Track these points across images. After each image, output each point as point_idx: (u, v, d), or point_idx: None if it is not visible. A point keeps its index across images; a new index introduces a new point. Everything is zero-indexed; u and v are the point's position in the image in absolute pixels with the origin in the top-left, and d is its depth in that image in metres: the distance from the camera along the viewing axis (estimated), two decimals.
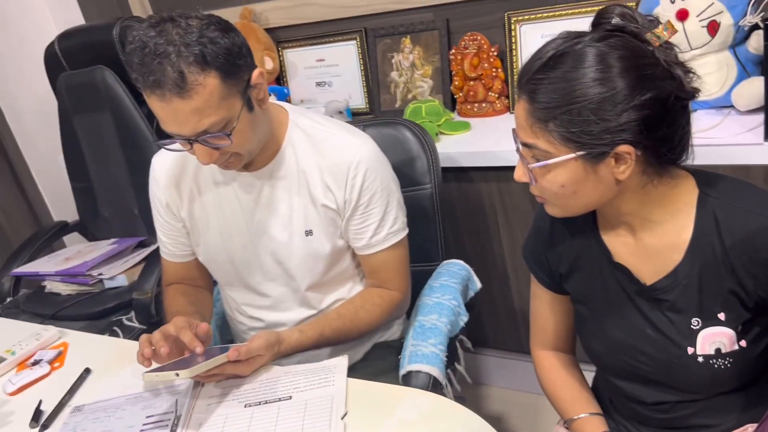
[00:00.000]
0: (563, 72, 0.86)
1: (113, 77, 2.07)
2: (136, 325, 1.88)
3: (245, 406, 1.09)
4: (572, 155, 0.89)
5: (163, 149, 1.30)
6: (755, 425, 0.97)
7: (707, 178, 0.98)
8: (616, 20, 0.90)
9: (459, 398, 1.20)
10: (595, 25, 0.92)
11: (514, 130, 0.96)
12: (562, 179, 0.92)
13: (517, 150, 0.96)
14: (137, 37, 1.05)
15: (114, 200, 2.23)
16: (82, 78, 2.13)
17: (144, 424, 1.08)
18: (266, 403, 1.08)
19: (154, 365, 1.15)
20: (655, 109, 0.86)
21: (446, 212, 1.58)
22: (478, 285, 1.55)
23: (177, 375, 1.01)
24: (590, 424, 1.12)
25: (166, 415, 1.09)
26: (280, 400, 1.08)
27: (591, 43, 0.87)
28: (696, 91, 0.90)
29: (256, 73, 1.14)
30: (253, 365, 1.16)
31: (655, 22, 0.90)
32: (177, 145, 1.16)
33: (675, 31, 0.89)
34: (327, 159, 1.26)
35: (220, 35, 1.07)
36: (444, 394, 1.24)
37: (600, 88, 0.84)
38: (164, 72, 1.03)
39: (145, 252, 2.10)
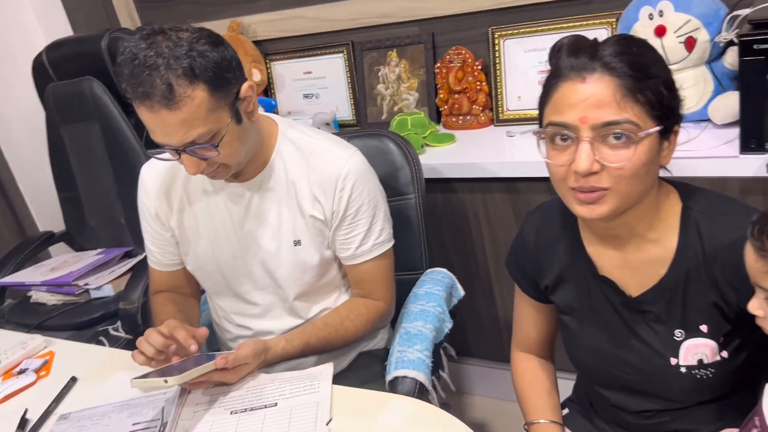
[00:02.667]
0: (639, 48, 0.89)
1: (101, 88, 2.08)
2: (123, 334, 1.88)
3: (231, 413, 1.10)
4: (657, 128, 0.87)
5: (152, 159, 1.32)
6: (734, 430, 0.99)
7: (690, 191, 0.99)
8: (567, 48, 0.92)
9: (444, 405, 1.21)
10: (551, 58, 0.93)
11: (538, 131, 0.92)
12: (644, 157, 0.86)
13: (582, 138, 0.87)
14: (128, 48, 1.07)
15: (101, 210, 2.23)
16: (70, 88, 2.13)
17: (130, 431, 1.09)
18: (252, 410, 1.09)
19: (145, 370, 1.16)
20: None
21: (430, 222, 1.60)
22: (462, 292, 1.57)
23: (166, 381, 1.02)
24: (547, 429, 1.15)
25: (152, 423, 1.10)
26: (266, 407, 1.09)
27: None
28: None
29: (245, 86, 1.16)
30: (240, 373, 1.17)
31: None
32: (167, 155, 1.18)
33: None
34: (316, 171, 1.28)
35: (209, 49, 1.09)
36: (429, 401, 1.26)
37: (665, 66, 0.90)
38: (153, 84, 1.05)
39: (132, 262, 2.10)
